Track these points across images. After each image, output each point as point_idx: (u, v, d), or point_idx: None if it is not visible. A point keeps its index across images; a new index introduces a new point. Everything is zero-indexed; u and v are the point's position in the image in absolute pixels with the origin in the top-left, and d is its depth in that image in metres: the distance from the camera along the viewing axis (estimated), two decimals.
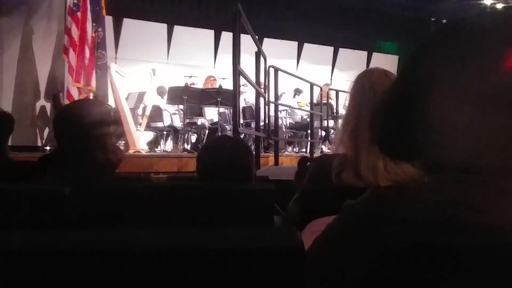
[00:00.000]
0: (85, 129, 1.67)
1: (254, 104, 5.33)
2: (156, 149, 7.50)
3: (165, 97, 7.28)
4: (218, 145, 1.83)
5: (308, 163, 2.58)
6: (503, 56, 0.55)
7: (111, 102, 6.54)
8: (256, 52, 4.56)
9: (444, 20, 11.25)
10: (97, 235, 0.61)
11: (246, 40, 4.18)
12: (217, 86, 7.26)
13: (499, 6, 9.71)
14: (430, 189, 0.61)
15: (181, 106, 7.15)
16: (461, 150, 0.59)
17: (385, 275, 0.56)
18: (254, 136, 5.60)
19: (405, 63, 0.65)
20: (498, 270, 0.53)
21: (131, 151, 6.37)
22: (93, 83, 6.40)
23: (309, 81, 6.56)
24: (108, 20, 7.87)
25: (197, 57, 9.83)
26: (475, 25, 0.61)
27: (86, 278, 0.55)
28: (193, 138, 7.90)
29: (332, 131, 7.89)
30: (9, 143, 2.51)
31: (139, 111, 7.55)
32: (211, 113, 7.78)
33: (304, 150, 8.13)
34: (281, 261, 0.57)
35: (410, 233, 0.55)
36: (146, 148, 7.21)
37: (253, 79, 4.46)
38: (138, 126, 7.25)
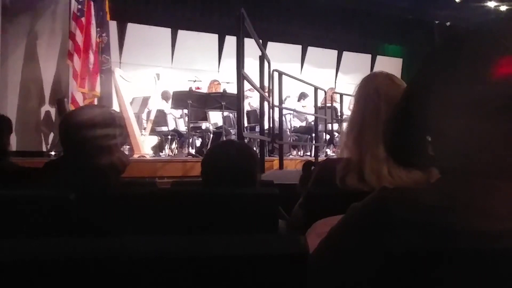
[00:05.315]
0: (90, 134, 1.68)
1: (259, 108, 5.33)
2: (160, 154, 7.51)
3: (170, 101, 7.28)
4: (223, 150, 1.83)
5: (313, 167, 2.57)
6: (490, 64, 0.56)
7: (116, 107, 6.55)
8: (260, 56, 4.56)
9: (448, 23, 11.24)
10: (101, 242, 0.61)
11: (250, 44, 4.19)
12: (222, 90, 7.26)
13: (503, 8, 9.69)
14: (434, 193, 0.62)
15: (185, 111, 7.16)
16: (459, 155, 0.60)
17: (388, 279, 0.56)
18: (258, 140, 5.60)
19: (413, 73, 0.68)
20: (503, 274, 0.53)
21: (135, 156, 6.38)
22: (98, 88, 6.44)
23: (313, 84, 6.56)
24: (112, 25, 7.92)
25: (201, 61, 9.84)
26: (467, 35, 0.63)
27: (91, 286, 0.55)
28: (198, 142, 7.91)
29: (337, 134, 7.88)
30: (14, 149, 2.48)
31: (144, 116, 7.56)
32: (216, 117, 7.79)
33: (308, 153, 8.12)
34: (285, 267, 0.57)
35: (413, 238, 0.56)
36: (151, 152, 7.21)
37: (257, 83, 4.46)
38: (143, 130, 7.26)
